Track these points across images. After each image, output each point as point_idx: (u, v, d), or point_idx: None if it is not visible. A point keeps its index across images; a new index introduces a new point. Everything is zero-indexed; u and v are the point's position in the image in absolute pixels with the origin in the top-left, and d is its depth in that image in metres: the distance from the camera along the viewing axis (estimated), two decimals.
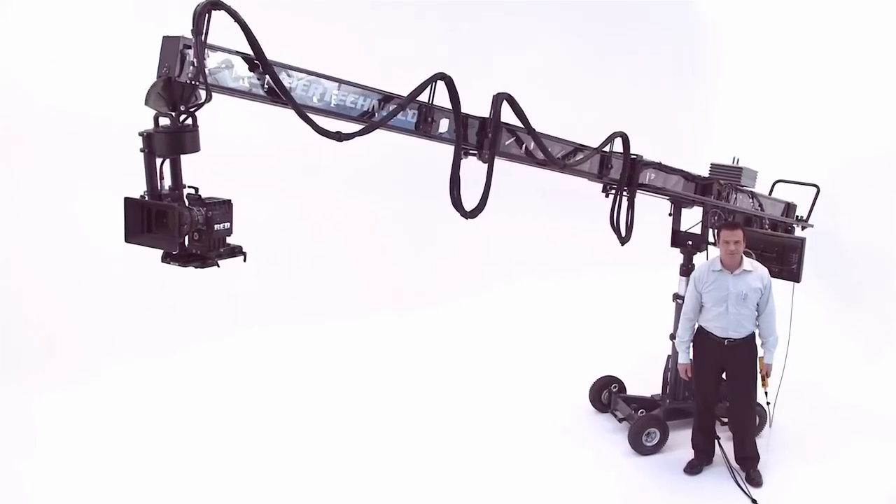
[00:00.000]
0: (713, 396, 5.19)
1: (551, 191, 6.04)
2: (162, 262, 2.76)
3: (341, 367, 6.76)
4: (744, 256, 4.98)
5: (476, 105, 3.97)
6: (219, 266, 2.77)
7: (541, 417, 6.01)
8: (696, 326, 5.16)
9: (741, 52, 9.51)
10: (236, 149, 6.35)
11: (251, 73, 2.90)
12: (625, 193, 4.81)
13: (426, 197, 5.54)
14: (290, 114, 3.03)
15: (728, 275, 4.93)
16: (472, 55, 7.93)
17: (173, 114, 2.64)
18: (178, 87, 2.60)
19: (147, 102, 2.57)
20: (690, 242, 5.60)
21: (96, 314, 6.64)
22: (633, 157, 4.71)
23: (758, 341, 5.06)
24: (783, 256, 5.32)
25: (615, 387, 6.10)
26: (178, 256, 2.73)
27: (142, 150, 2.64)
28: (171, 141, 2.63)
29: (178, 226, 2.58)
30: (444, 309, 7.83)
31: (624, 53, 9.18)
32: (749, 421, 5.24)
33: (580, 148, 4.55)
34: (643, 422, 5.47)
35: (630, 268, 7.43)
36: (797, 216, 6.72)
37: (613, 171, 4.74)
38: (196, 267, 2.76)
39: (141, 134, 2.63)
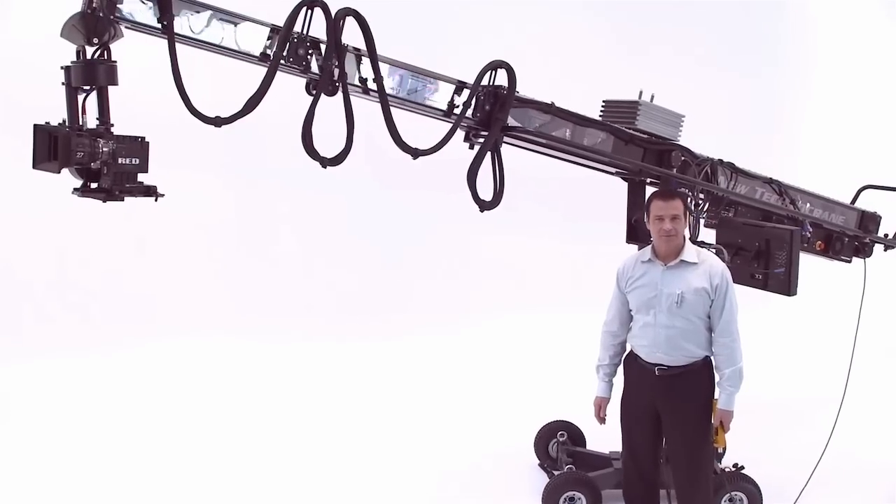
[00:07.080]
0: (648, 454, 3.60)
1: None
2: (72, 194, 2.79)
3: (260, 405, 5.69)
4: (688, 243, 3.43)
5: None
6: (123, 200, 2.78)
7: (468, 465, 4.73)
8: (625, 346, 3.66)
9: (835, 44, 7.73)
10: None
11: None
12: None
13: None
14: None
15: (660, 267, 3.41)
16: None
17: (87, 46, 2.71)
18: (92, 21, 2.66)
19: (62, 34, 2.66)
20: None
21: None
22: (497, 87, 3.41)
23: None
24: (767, 255, 3.59)
25: (562, 435, 4.57)
26: (86, 189, 2.76)
27: (62, 84, 2.73)
28: (85, 71, 2.72)
29: (66, 151, 2.64)
30: (401, 335, 6.68)
31: (703, 46, 7.74)
32: (696, 495, 3.50)
33: (462, 86, 3.42)
34: (562, 480, 3.95)
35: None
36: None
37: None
38: (102, 200, 2.76)
39: (62, 68, 2.73)
